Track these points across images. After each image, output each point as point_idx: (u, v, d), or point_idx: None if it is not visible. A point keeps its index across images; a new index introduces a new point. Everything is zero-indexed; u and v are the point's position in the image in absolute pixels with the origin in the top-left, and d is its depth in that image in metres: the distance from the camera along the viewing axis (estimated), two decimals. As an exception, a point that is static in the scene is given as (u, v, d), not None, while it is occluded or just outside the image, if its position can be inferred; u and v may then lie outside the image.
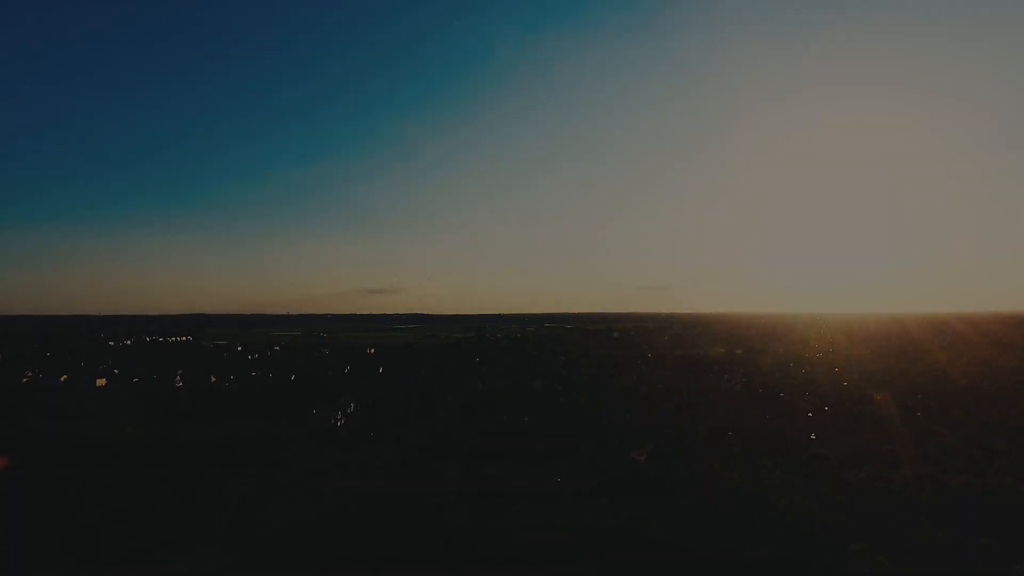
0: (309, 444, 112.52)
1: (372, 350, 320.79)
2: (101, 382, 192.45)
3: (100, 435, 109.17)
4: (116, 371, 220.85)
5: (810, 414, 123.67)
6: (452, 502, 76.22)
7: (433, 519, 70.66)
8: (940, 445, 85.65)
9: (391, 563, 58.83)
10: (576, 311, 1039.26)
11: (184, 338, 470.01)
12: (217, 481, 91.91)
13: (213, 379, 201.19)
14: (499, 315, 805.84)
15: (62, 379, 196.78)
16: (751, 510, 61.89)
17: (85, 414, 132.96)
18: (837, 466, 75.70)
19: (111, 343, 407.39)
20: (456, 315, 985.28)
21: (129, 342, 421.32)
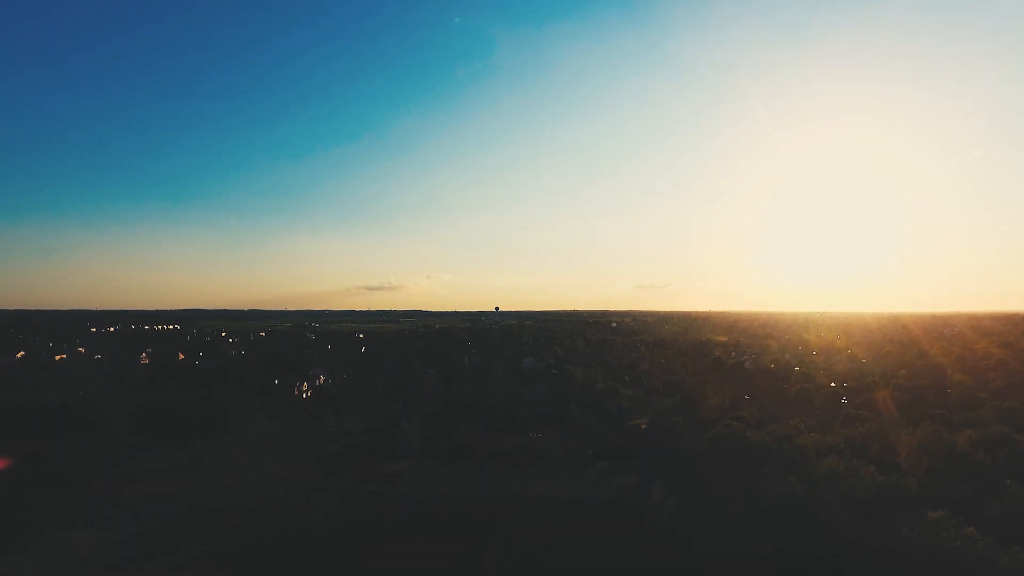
0: (263, 414, 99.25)
1: (361, 335, 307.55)
2: (60, 357, 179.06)
3: (23, 403, 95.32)
4: (81, 350, 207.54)
5: (832, 384, 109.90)
6: (406, 468, 63.03)
7: (375, 489, 57.30)
8: (999, 409, 72.14)
9: (311, 544, 45.42)
10: (575, 308, 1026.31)
11: (171, 327, 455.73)
12: (146, 450, 78.70)
13: (181, 356, 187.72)
14: (497, 310, 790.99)
15: (19, 355, 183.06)
16: (787, 472, 48.33)
17: (20, 385, 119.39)
18: (886, 427, 62.20)
19: (93, 329, 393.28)
20: (455, 311, 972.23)
21: (112, 329, 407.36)
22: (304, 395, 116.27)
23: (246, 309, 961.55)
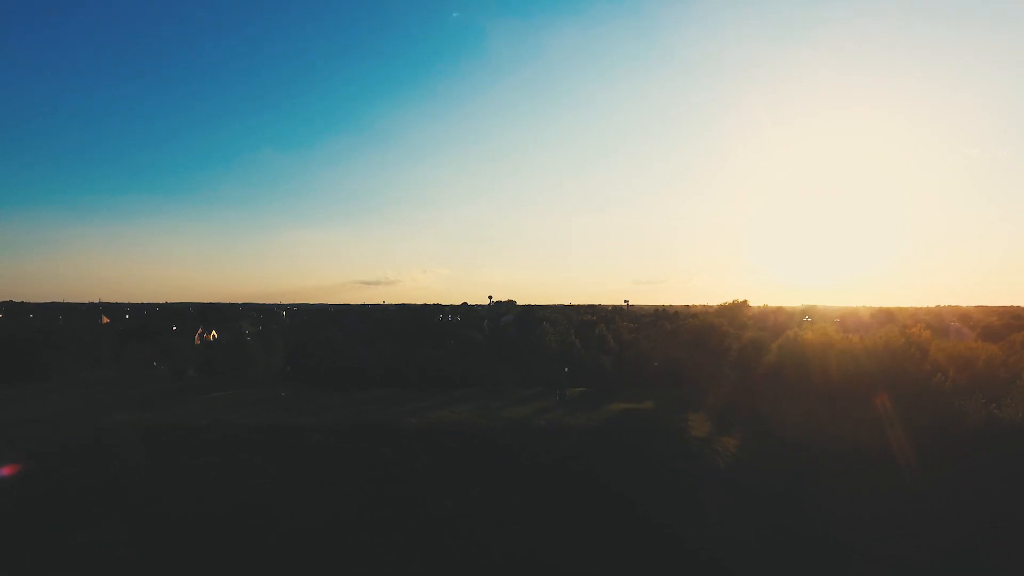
0: (115, 361, 73.57)
1: (332, 310, 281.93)
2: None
3: None
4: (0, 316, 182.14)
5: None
6: (230, 396, 37.98)
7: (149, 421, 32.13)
8: None
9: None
10: (571, 303, 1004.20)
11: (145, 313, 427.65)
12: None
13: (106, 320, 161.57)
14: (491, 299, 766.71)
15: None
16: (935, 400, 22.45)
17: None
18: (968, 354, 36.76)
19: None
20: (451, 305, 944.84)
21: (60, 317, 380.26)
22: (205, 344, 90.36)
23: (240, 303, 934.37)
